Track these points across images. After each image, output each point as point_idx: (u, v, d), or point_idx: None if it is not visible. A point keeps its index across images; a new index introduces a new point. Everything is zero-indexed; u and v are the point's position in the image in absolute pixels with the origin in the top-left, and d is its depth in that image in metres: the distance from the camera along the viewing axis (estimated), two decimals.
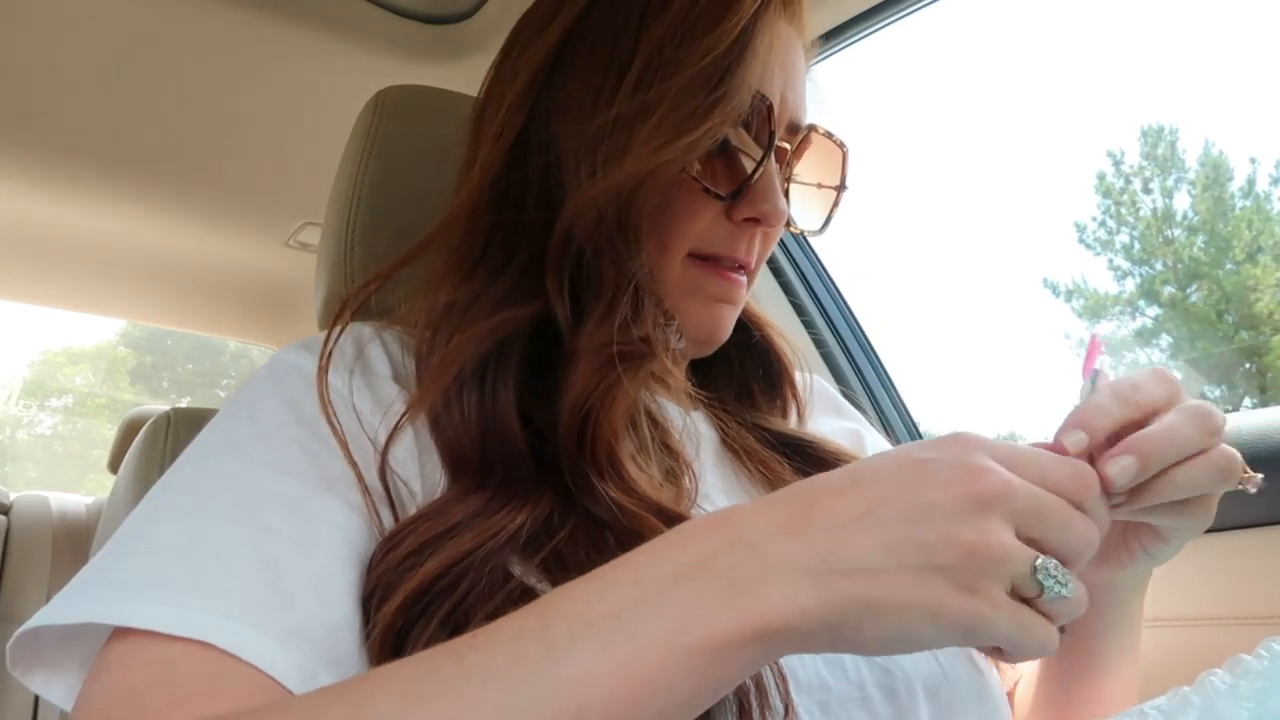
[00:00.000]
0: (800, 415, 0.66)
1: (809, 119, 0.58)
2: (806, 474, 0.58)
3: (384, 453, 0.48)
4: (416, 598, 0.42)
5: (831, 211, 0.61)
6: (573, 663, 0.32)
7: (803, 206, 0.59)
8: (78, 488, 1.67)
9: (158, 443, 0.99)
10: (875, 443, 0.72)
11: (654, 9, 0.53)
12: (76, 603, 0.39)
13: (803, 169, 0.59)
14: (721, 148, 0.54)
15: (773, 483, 0.58)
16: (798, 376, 0.68)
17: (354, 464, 0.46)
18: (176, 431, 0.99)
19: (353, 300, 0.54)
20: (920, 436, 1.31)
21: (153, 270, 1.67)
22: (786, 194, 0.57)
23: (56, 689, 0.43)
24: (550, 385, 0.51)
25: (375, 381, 0.52)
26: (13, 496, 1.54)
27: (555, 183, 0.54)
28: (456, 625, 0.42)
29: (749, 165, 0.54)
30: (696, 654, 0.32)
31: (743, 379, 0.66)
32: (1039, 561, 0.34)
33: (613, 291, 0.51)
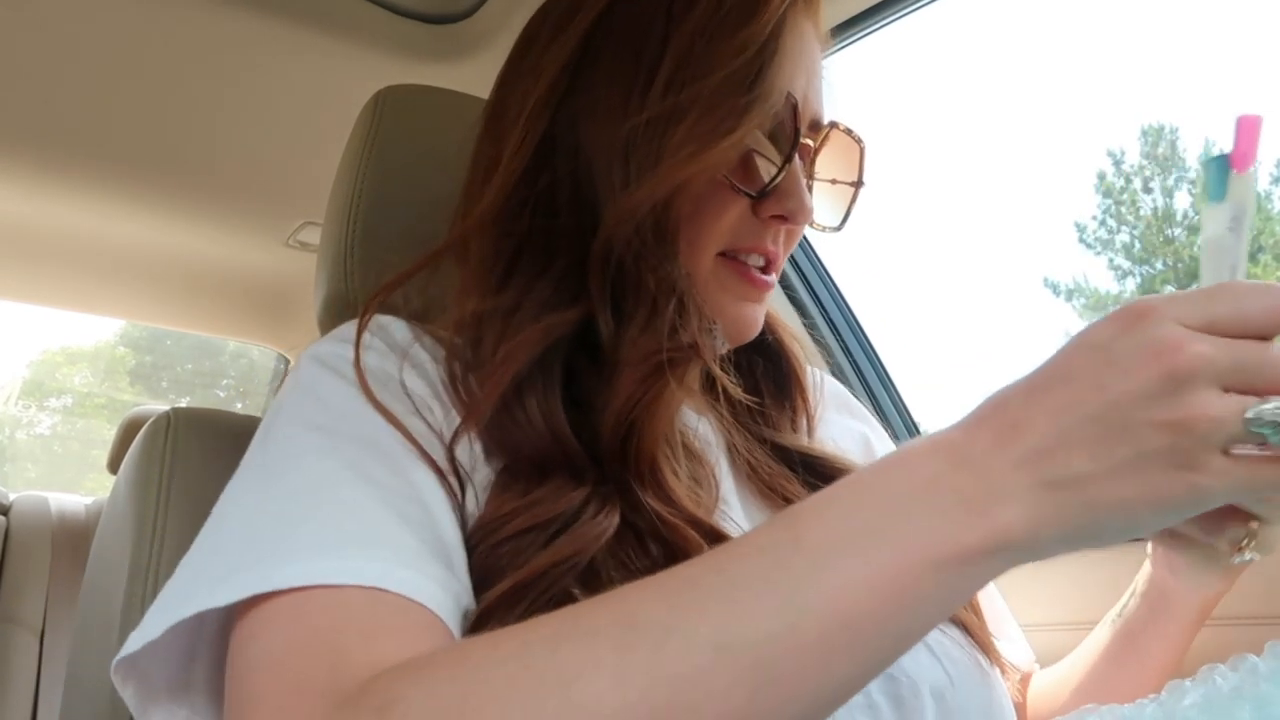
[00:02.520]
0: (810, 422, 0.66)
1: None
2: (816, 489, 0.58)
3: (451, 446, 0.49)
4: (524, 587, 0.43)
5: (850, 208, 0.61)
6: (836, 572, 0.33)
7: (822, 203, 0.59)
8: (77, 488, 1.67)
9: (157, 443, 0.99)
10: (883, 447, 0.71)
11: (680, 6, 0.52)
12: (230, 583, 0.38)
13: (822, 165, 0.59)
14: (745, 148, 0.54)
15: (776, 498, 0.57)
16: (808, 377, 0.67)
17: (432, 440, 0.48)
18: (176, 432, 0.99)
19: (380, 296, 0.55)
20: (917, 428, 1.31)
21: (152, 270, 1.67)
22: (810, 191, 0.57)
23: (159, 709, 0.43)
24: (577, 393, 0.51)
25: (423, 371, 0.52)
26: (12, 497, 1.54)
27: (587, 187, 0.53)
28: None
29: (775, 163, 0.54)
30: (947, 565, 0.34)
31: (752, 381, 0.65)
32: (1250, 414, 0.33)
33: (654, 298, 0.51)
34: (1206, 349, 0.33)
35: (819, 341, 1.29)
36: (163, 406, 1.11)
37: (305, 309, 1.78)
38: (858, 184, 0.60)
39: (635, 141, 0.51)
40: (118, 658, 0.41)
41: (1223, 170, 0.36)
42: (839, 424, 0.70)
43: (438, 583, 0.40)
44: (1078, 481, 0.33)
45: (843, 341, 1.31)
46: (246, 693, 0.37)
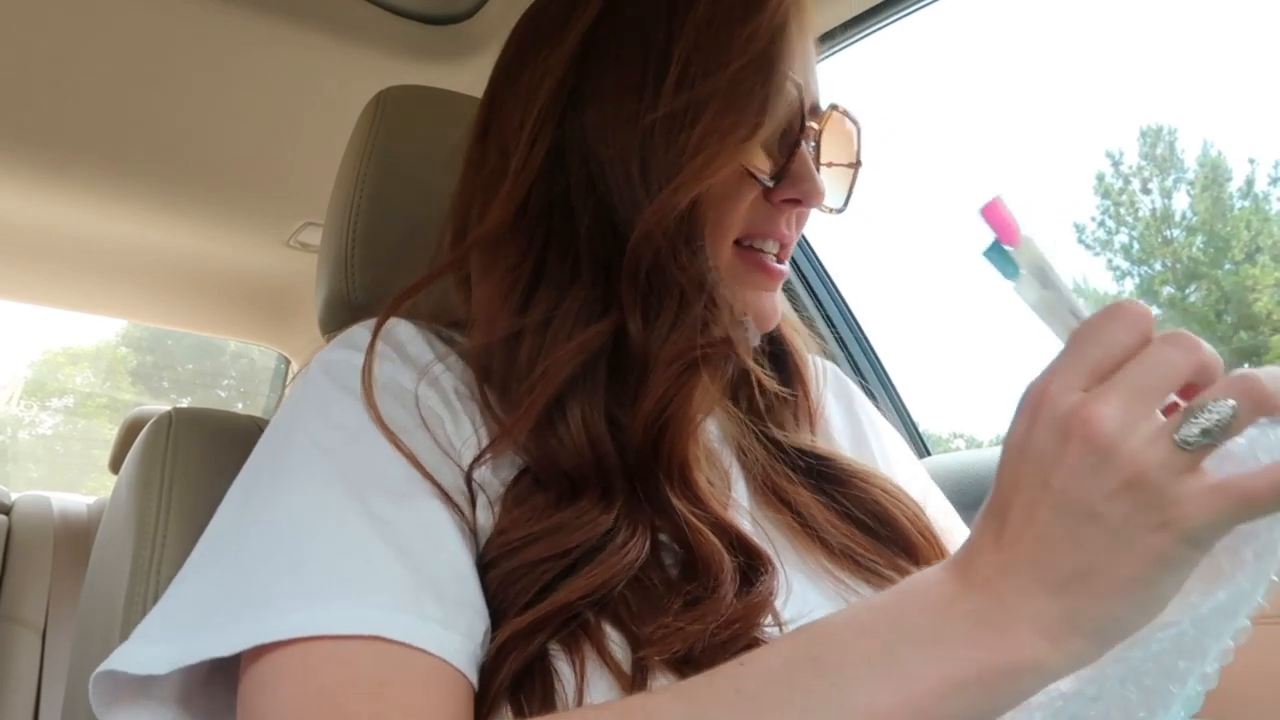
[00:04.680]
0: (813, 417, 0.66)
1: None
2: (823, 492, 0.58)
3: (470, 470, 0.48)
4: (549, 618, 0.43)
5: (851, 188, 0.61)
6: (856, 693, 0.34)
7: (826, 185, 0.59)
8: (79, 488, 1.67)
9: (158, 443, 0.99)
10: (879, 431, 0.70)
11: (683, 1, 0.52)
12: (237, 629, 0.39)
13: (824, 147, 0.59)
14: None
15: (777, 501, 0.57)
16: (810, 369, 0.67)
17: (440, 457, 0.47)
18: (177, 432, 0.99)
19: (392, 310, 0.54)
20: (919, 434, 1.31)
21: (153, 270, 1.67)
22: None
23: None
24: (620, 398, 0.51)
25: (434, 380, 0.51)
26: (14, 496, 1.55)
27: (605, 190, 0.52)
28: (543, 654, 0.43)
29: (787, 148, 0.54)
30: (970, 686, 0.33)
31: (755, 376, 0.64)
32: (1178, 437, 0.32)
33: (681, 294, 0.50)
34: (1104, 403, 0.33)
35: (816, 338, 1.29)
36: (164, 406, 1.11)
37: (306, 309, 1.79)
38: (856, 165, 0.60)
39: (652, 140, 0.50)
40: (104, 669, 0.41)
41: (1000, 254, 0.38)
42: (835, 410, 0.70)
43: (441, 622, 0.40)
44: (1076, 579, 0.33)
45: (841, 340, 1.31)
46: None
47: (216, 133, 1.28)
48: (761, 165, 0.54)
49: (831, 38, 1.04)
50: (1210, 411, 0.32)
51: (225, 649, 0.38)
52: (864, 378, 1.30)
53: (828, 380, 0.70)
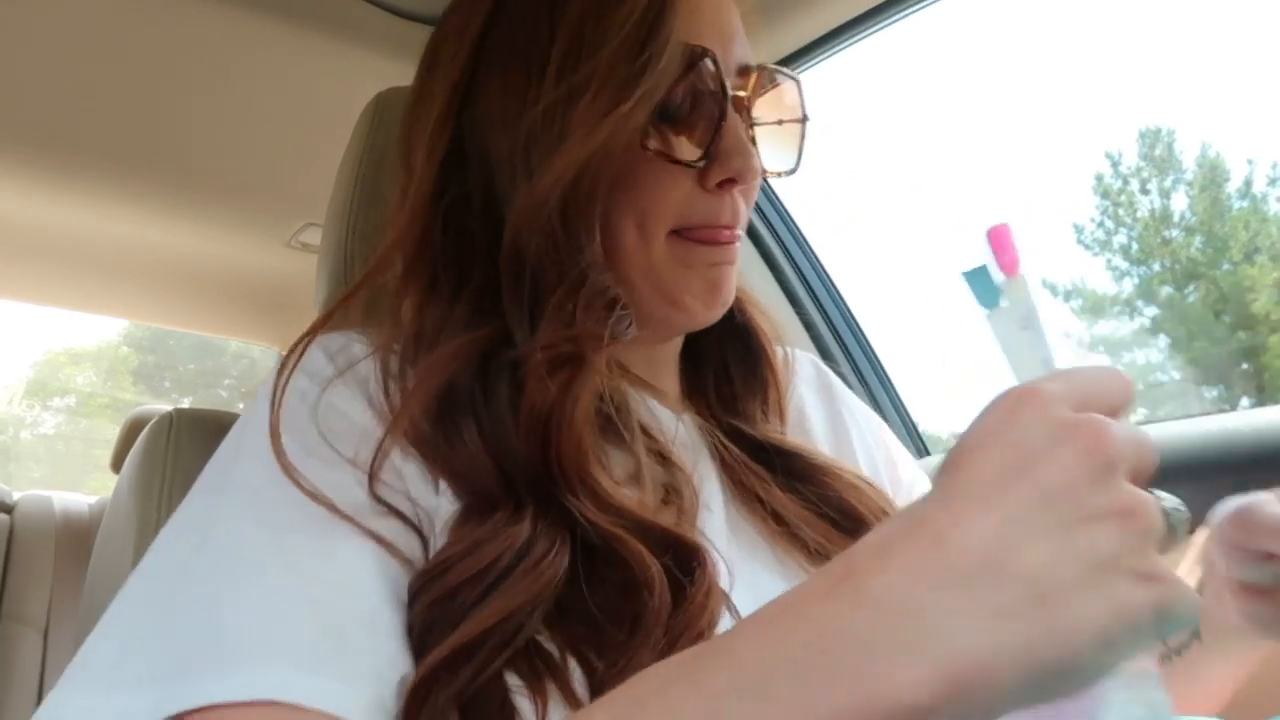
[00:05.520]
0: (781, 406, 0.64)
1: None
2: (794, 489, 0.56)
3: (371, 477, 0.46)
4: (467, 649, 0.41)
5: (801, 146, 0.58)
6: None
7: (770, 150, 0.56)
8: (80, 487, 1.67)
9: (159, 443, 0.99)
10: (861, 423, 0.69)
11: None
12: (141, 697, 0.38)
13: (761, 111, 0.55)
14: (675, 113, 0.51)
15: (752, 501, 0.56)
16: (778, 357, 0.65)
17: (376, 495, 0.46)
18: (178, 432, 1.00)
19: (310, 337, 0.52)
20: (919, 434, 1.31)
21: (154, 270, 1.67)
22: (753, 141, 0.54)
23: None
24: (515, 408, 0.49)
25: (347, 402, 0.50)
26: (16, 496, 1.55)
27: (494, 194, 0.52)
28: (486, 679, 0.41)
29: (709, 125, 0.51)
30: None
31: (721, 362, 0.63)
32: (1168, 506, 0.30)
33: (557, 294, 0.48)
34: (1118, 430, 0.30)
35: (817, 340, 1.29)
36: (165, 406, 1.11)
37: (307, 309, 1.78)
38: (803, 119, 0.58)
39: (535, 134, 0.49)
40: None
41: (985, 281, 0.35)
42: (812, 404, 0.68)
43: (343, 678, 0.39)
44: (1026, 603, 0.27)
45: (841, 340, 1.31)
46: None
47: (217, 133, 1.28)
48: (683, 147, 0.51)
49: (831, 40, 1.04)
50: (1180, 510, 0.30)
51: (129, 715, 0.38)
52: (863, 378, 1.30)
53: (800, 372, 0.68)
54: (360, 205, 0.70)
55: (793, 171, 0.58)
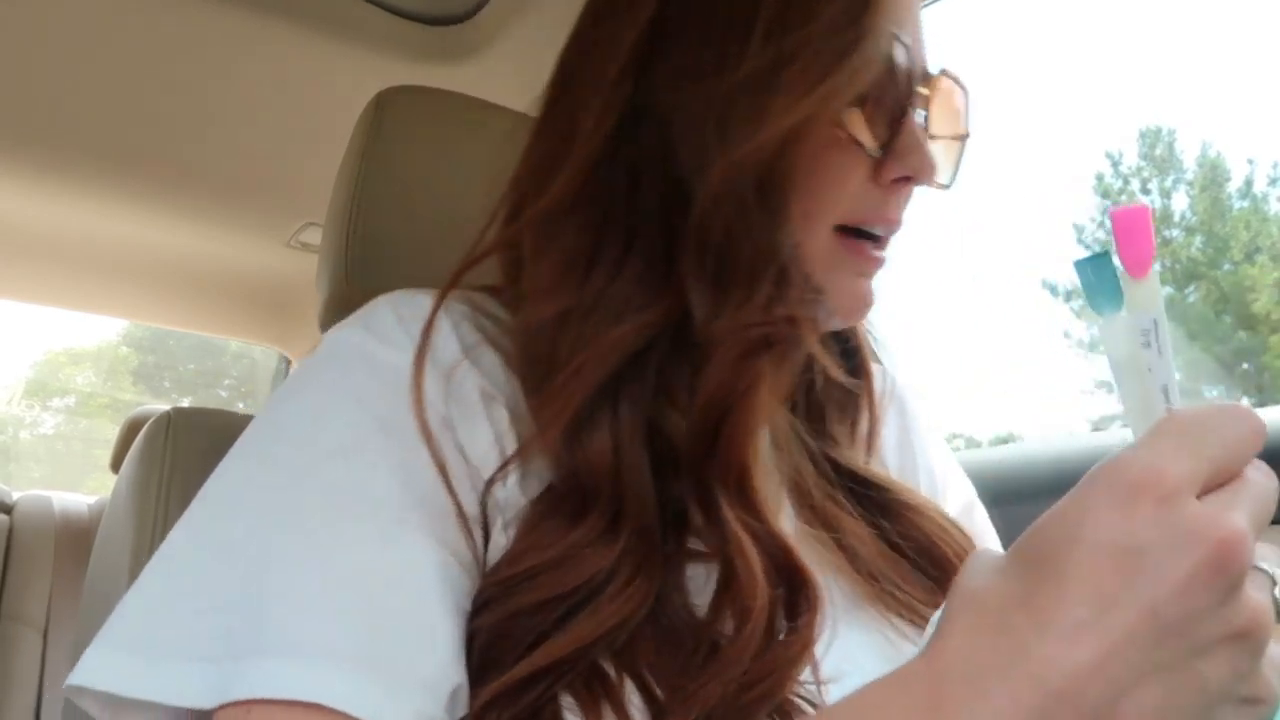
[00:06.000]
0: (871, 437, 0.59)
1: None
2: (874, 524, 0.52)
3: (486, 491, 0.43)
4: (534, 677, 0.39)
5: (959, 162, 0.55)
6: None
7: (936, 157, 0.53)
8: (80, 487, 1.67)
9: (157, 442, 0.99)
10: (925, 444, 0.64)
11: None
12: (171, 678, 0.37)
13: (934, 115, 0.52)
14: (863, 99, 0.48)
15: (823, 529, 0.51)
16: (875, 380, 0.60)
17: (452, 490, 0.42)
18: (177, 431, 1.00)
19: (446, 292, 0.48)
20: None
21: (154, 270, 1.67)
22: None
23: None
24: (670, 397, 0.46)
25: (463, 386, 0.46)
26: (15, 496, 1.55)
27: (676, 158, 0.47)
28: (545, 702, 0.39)
29: (894, 118, 0.48)
30: None
31: (809, 375, 0.58)
32: (1272, 573, 0.28)
33: (751, 270, 0.44)
34: (1243, 524, 0.27)
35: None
36: (165, 406, 1.11)
37: (307, 309, 1.79)
38: (965, 136, 0.54)
39: (735, 98, 0.45)
40: (75, 682, 0.38)
41: (1107, 275, 0.29)
42: (890, 423, 0.64)
43: (390, 687, 0.36)
44: None
45: None
46: None
47: (217, 133, 1.28)
48: (866, 139, 0.48)
49: None
50: None
51: (166, 697, 0.36)
52: None
53: (891, 392, 0.64)
54: (360, 205, 0.70)
55: (949, 186, 0.54)
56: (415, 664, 0.38)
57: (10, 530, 1.46)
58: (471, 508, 0.43)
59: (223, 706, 0.36)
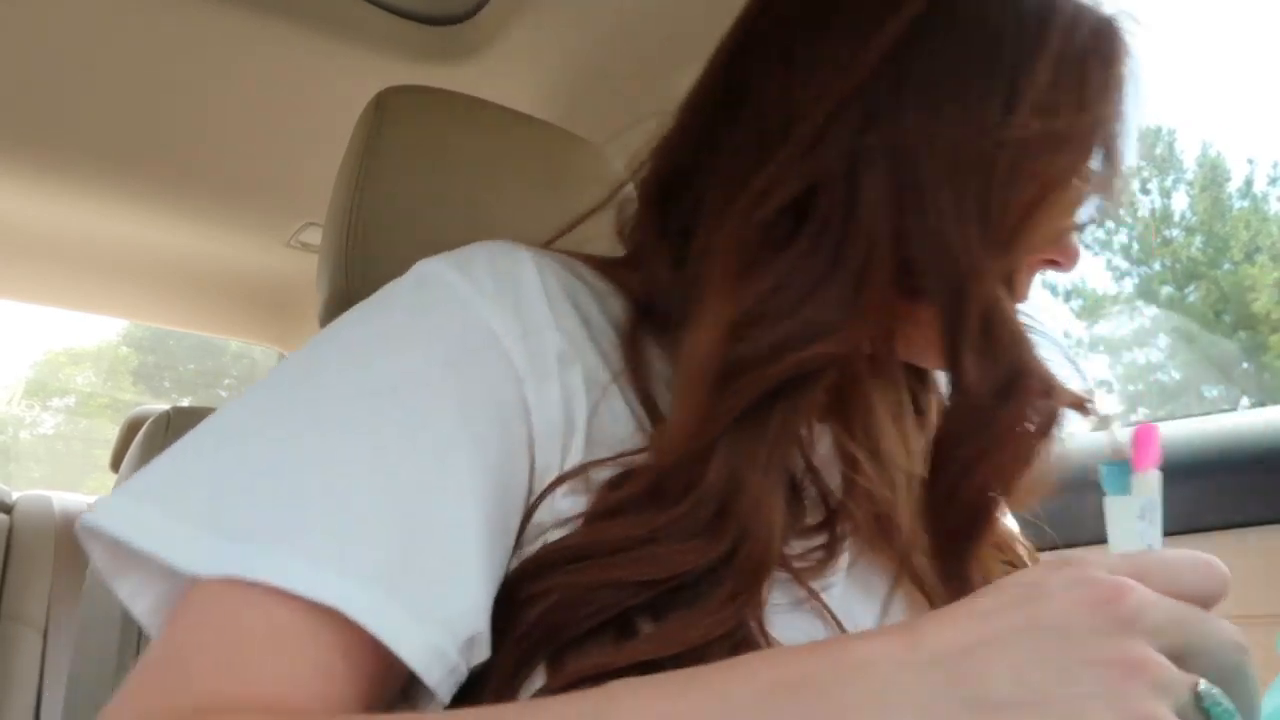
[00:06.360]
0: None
1: None
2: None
3: (560, 480, 0.42)
4: (626, 670, 0.37)
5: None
6: None
7: None
8: (80, 487, 1.67)
9: (156, 442, 1.00)
10: None
11: (1034, 18, 0.45)
12: (195, 548, 0.35)
13: None
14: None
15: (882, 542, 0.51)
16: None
17: (509, 446, 0.42)
18: (175, 430, 1.00)
19: (548, 246, 0.49)
20: None
21: (154, 270, 1.67)
22: None
23: (143, 600, 0.38)
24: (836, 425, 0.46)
25: (545, 348, 0.45)
26: (15, 496, 1.55)
27: (913, 199, 0.44)
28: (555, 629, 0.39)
29: (1076, 208, 0.49)
30: None
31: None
32: (1202, 687, 0.28)
33: (1011, 344, 0.44)
34: (1148, 595, 0.29)
35: None
36: (164, 406, 1.12)
37: (306, 309, 1.79)
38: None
39: (994, 163, 0.43)
40: (86, 522, 0.38)
41: (1119, 473, 0.37)
42: None
43: (412, 612, 0.36)
44: (993, 706, 0.28)
45: None
46: (143, 661, 0.35)
47: (217, 133, 1.28)
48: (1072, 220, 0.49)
49: None
50: (1229, 711, 0.29)
51: (191, 565, 0.35)
52: None
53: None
54: (360, 205, 0.70)
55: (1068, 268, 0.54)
56: (444, 599, 0.37)
57: (10, 530, 1.46)
58: (522, 470, 0.42)
59: (233, 582, 0.34)
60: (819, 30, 0.48)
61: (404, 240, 0.70)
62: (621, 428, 0.45)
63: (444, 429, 0.40)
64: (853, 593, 0.48)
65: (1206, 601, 0.31)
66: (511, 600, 0.40)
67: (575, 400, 0.44)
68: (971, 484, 0.43)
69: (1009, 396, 0.43)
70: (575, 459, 0.43)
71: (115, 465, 1.64)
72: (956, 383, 0.44)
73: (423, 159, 0.71)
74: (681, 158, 0.52)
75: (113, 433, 1.68)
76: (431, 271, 0.47)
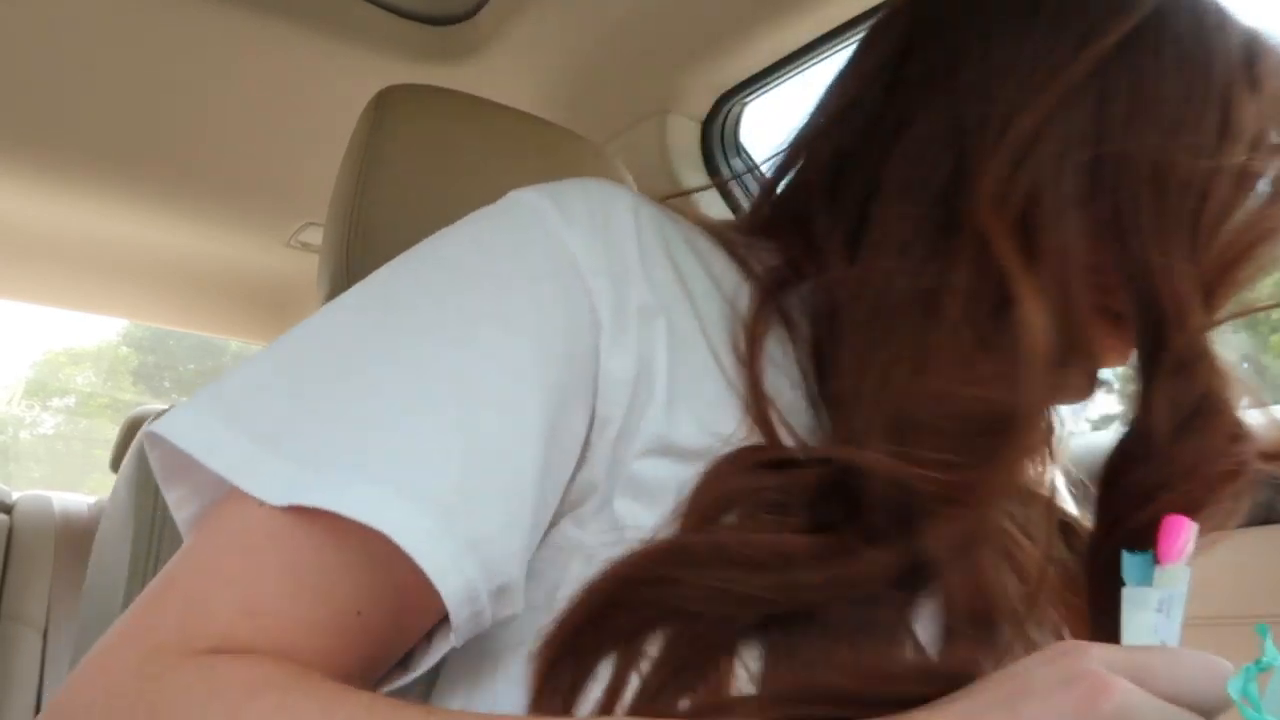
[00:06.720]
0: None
1: None
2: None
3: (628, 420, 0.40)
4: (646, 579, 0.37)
5: None
6: None
7: None
8: (80, 487, 1.67)
9: None
10: None
11: (1232, 61, 0.44)
12: (263, 473, 0.35)
13: None
14: None
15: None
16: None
17: (573, 397, 0.40)
18: None
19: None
20: None
21: (154, 270, 1.67)
22: None
23: (189, 508, 0.39)
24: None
25: (629, 299, 0.42)
26: (15, 496, 1.55)
27: (1120, 210, 0.42)
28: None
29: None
30: None
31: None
32: None
33: (1208, 385, 0.42)
34: (1134, 698, 0.29)
35: None
36: (165, 406, 1.11)
37: (307, 309, 1.78)
38: None
39: (1211, 191, 0.42)
40: (152, 429, 0.37)
41: (1143, 564, 0.36)
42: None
43: (459, 548, 0.35)
44: None
45: None
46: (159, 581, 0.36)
47: (217, 133, 1.28)
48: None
49: (815, 49, 1.04)
50: None
51: (262, 492, 0.35)
52: None
53: None
54: (361, 205, 0.70)
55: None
56: (492, 540, 0.36)
57: (10, 530, 1.46)
58: (581, 419, 0.41)
59: (290, 509, 0.34)
60: (1026, 18, 0.45)
61: (405, 239, 0.69)
62: (709, 388, 0.42)
63: (517, 373, 0.39)
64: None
65: (1207, 709, 0.30)
66: (628, 580, 0.37)
67: (655, 354, 0.42)
68: (1139, 517, 0.40)
69: (1192, 432, 0.40)
70: (654, 415, 0.40)
71: (115, 465, 1.64)
72: (1143, 409, 0.41)
73: (423, 158, 0.71)
74: (853, 128, 0.48)
75: (113, 432, 1.67)
76: (524, 200, 0.44)
